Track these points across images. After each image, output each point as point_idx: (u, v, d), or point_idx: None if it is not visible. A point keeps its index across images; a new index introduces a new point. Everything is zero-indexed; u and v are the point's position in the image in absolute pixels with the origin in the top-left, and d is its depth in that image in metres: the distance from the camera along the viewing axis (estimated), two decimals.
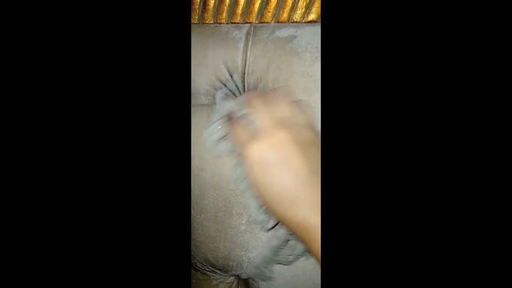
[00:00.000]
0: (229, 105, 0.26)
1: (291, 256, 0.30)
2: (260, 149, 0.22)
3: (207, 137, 0.28)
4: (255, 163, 0.22)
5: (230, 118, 0.26)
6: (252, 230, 0.32)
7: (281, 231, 0.28)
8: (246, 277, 0.35)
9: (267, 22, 0.30)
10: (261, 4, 0.29)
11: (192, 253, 0.35)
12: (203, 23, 0.31)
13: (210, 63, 0.30)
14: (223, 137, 0.27)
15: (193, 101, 0.31)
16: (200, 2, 0.30)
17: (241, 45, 0.29)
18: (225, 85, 0.30)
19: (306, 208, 0.21)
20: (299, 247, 0.29)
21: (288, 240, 0.29)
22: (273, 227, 0.28)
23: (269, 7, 0.29)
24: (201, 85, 0.31)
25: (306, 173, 0.21)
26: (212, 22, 0.31)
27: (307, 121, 0.24)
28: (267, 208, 0.24)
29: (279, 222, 0.26)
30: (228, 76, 0.30)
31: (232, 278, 0.37)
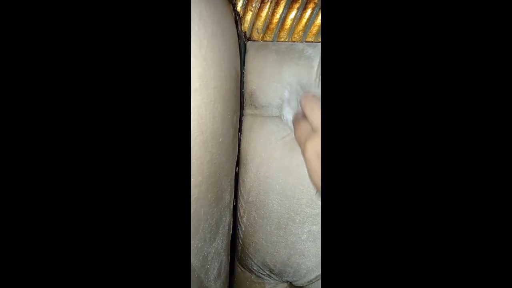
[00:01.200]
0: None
1: None
2: (315, 145, 0.25)
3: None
4: (311, 156, 0.25)
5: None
6: (314, 239, 0.33)
7: None
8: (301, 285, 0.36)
9: None
10: None
11: (250, 255, 0.37)
12: (277, 41, 0.34)
13: (284, 79, 0.32)
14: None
15: (266, 112, 0.34)
16: (278, 22, 0.33)
17: (315, 63, 0.31)
18: (297, 101, 0.32)
19: None
20: None
21: None
22: None
23: None
24: (274, 99, 0.33)
25: None
26: (287, 40, 0.33)
27: None
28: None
29: None
30: (301, 92, 0.32)
31: (285, 284, 0.38)
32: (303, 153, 0.26)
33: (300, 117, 0.29)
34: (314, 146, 0.25)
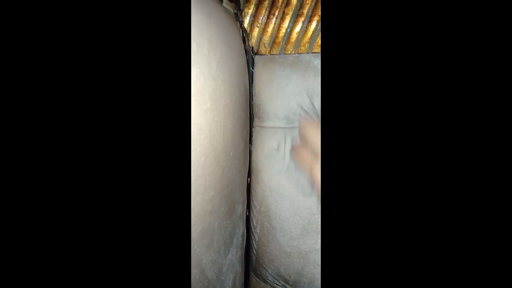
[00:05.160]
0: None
1: None
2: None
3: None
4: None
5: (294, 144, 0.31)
6: None
7: None
8: None
9: None
10: None
11: (264, 266, 0.37)
12: (284, 53, 0.34)
13: (292, 90, 0.33)
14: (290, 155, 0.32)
15: (274, 124, 0.34)
16: (284, 36, 0.33)
17: None
18: (305, 111, 0.32)
19: None
20: None
21: None
22: None
23: None
24: (282, 111, 0.34)
25: None
26: (293, 52, 0.34)
27: None
28: None
29: None
30: (309, 102, 0.32)
31: None
32: (314, 183, 0.27)
33: (299, 144, 0.30)
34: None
